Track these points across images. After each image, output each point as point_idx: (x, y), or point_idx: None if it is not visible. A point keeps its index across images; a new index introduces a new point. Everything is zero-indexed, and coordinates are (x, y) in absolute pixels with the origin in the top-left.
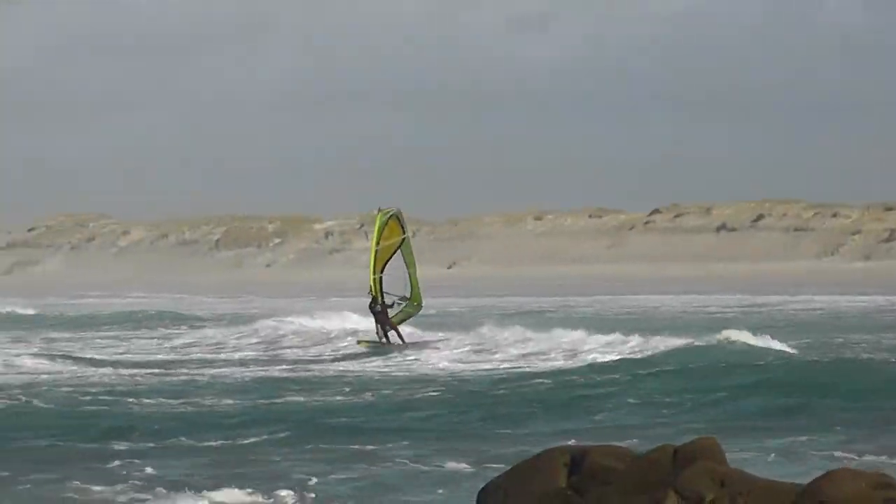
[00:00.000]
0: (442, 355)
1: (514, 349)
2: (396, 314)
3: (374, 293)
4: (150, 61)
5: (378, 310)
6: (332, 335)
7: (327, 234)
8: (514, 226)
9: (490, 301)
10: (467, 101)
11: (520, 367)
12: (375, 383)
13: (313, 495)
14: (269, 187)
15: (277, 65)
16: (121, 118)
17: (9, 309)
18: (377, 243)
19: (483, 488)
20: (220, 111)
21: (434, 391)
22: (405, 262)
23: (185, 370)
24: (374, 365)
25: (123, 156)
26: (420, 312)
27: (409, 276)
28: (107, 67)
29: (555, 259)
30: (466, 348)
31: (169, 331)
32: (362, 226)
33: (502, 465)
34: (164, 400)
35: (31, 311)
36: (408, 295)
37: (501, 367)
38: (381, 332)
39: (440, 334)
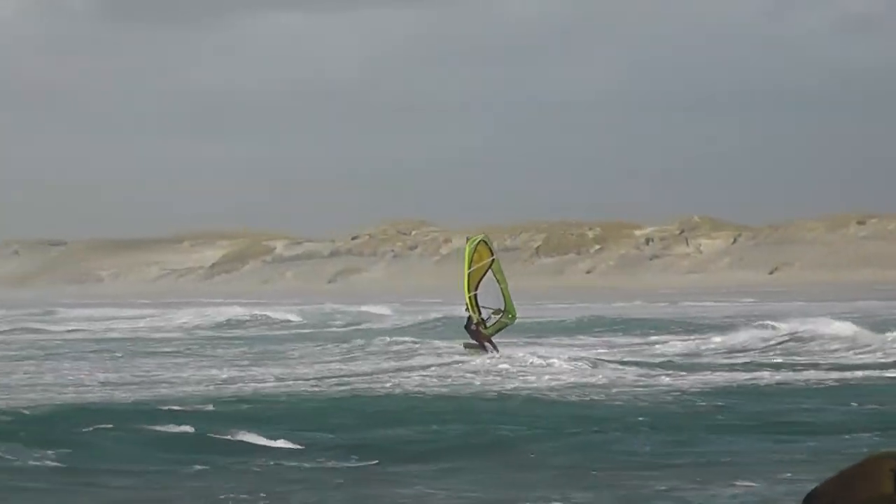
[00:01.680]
0: None
1: None
2: (492, 325)
3: (469, 310)
4: (474, 68)
5: (473, 328)
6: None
7: (647, 239)
8: (836, 230)
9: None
10: (786, 103)
11: None
12: None
13: None
14: (589, 194)
15: (601, 70)
16: (444, 125)
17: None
18: (469, 266)
19: (810, 493)
20: (542, 117)
21: None
22: (497, 280)
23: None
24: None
25: (446, 163)
26: (514, 322)
27: (502, 292)
28: (432, 74)
29: (882, 263)
30: None
31: (663, 336)
32: (682, 231)
33: None
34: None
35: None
36: (502, 308)
37: None
38: (478, 346)
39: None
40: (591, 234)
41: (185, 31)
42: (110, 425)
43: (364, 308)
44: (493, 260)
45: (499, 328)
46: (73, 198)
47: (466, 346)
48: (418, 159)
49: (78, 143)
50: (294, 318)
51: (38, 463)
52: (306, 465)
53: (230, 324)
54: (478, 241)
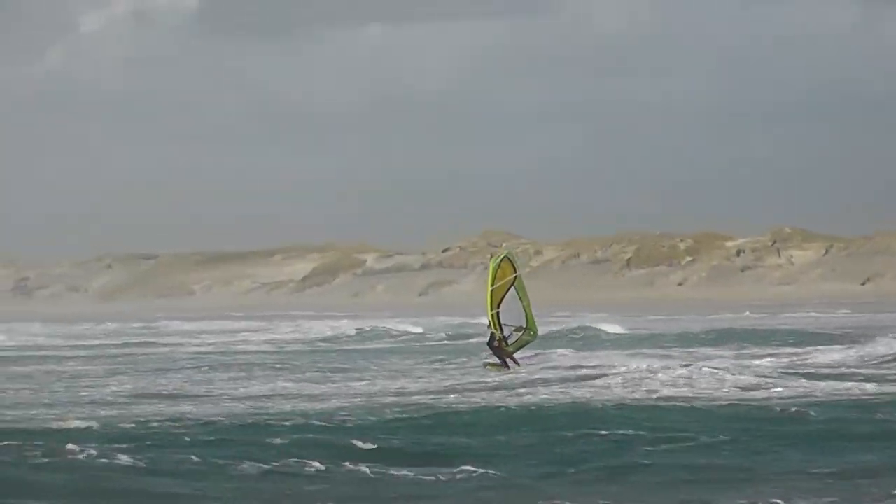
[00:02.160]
0: None
1: None
2: (514, 343)
3: (492, 327)
4: (564, 79)
5: (495, 345)
6: None
7: (739, 251)
8: None
9: None
10: (877, 113)
11: None
12: None
13: None
14: (681, 205)
15: (689, 82)
16: (534, 137)
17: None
18: (492, 283)
19: None
20: (633, 128)
21: None
22: (519, 297)
23: None
24: None
25: (537, 175)
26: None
27: (524, 309)
28: (521, 85)
29: None
30: None
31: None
32: (774, 243)
33: None
34: None
35: (617, 329)
36: (524, 325)
37: None
38: (500, 362)
39: None
40: (682, 246)
41: (275, 45)
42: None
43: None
44: (515, 277)
45: (520, 345)
46: (165, 211)
47: (487, 364)
48: (508, 172)
49: (169, 156)
50: (415, 329)
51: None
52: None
53: (370, 335)
54: (502, 257)
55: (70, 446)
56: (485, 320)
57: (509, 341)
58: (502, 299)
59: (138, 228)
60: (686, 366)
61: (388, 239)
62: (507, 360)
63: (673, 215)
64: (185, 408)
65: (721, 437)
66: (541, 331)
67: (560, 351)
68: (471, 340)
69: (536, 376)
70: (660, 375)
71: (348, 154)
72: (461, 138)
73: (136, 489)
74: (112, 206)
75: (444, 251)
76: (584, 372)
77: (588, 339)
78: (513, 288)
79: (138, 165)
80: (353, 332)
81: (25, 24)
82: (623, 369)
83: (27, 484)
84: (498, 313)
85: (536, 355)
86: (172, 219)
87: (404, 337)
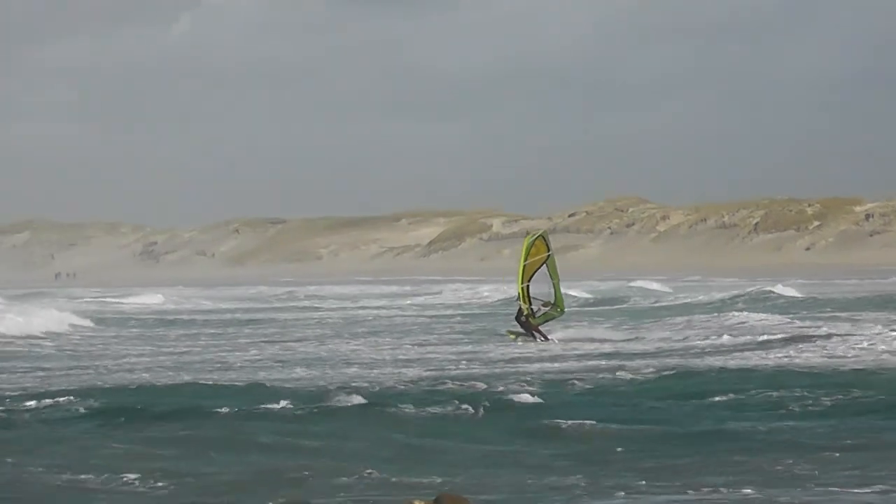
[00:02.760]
0: None
1: None
2: (540, 316)
3: (521, 300)
4: (698, 45)
5: (523, 319)
6: None
7: (867, 216)
8: None
9: None
10: None
11: None
12: None
13: None
14: (809, 170)
15: (821, 49)
16: (663, 102)
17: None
18: (525, 259)
19: None
20: (763, 94)
21: None
22: (550, 275)
23: None
24: None
25: (664, 140)
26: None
27: (554, 286)
28: (656, 51)
29: None
30: None
31: None
32: None
33: None
34: None
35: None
36: (552, 301)
37: None
38: (528, 334)
39: None
40: (810, 211)
41: (406, 11)
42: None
43: (637, 283)
44: (548, 255)
45: (546, 319)
46: (293, 176)
47: (510, 332)
48: (637, 136)
49: (296, 123)
50: (584, 294)
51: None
52: None
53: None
54: (537, 235)
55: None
56: (654, 285)
57: (536, 315)
58: (533, 275)
59: (266, 193)
60: None
61: (515, 203)
62: (535, 332)
63: (802, 181)
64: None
65: None
66: (719, 295)
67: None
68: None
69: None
70: None
71: (476, 120)
72: (589, 103)
73: None
74: (240, 172)
75: (570, 216)
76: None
77: (774, 303)
78: (545, 266)
79: (266, 132)
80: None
81: None
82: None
83: None
84: (528, 287)
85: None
86: (300, 184)
87: (587, 300)
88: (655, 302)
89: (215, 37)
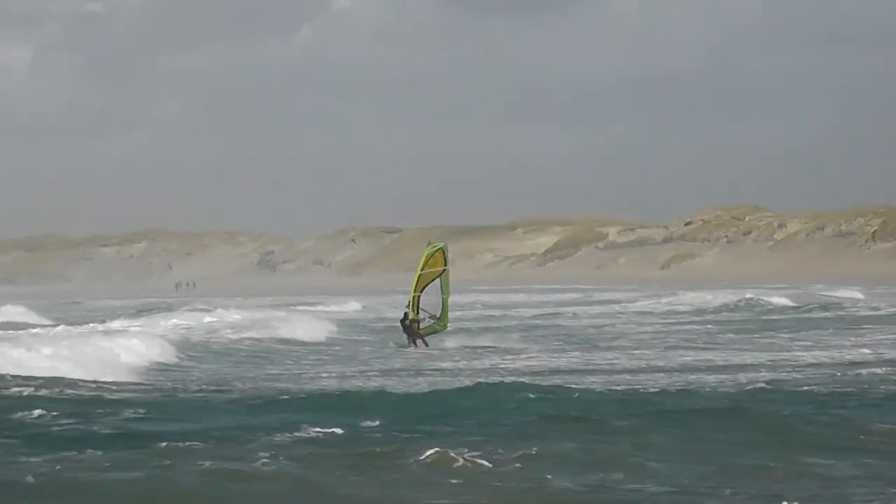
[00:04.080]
0: None
1: None
2: (426, 327)
3: (409, 308)
4: (813, 55)
5: (407, 324)
6: None
7: None
8: None
9: None
10: None
11: None
12: None
13: None
14: None
15: None
16: (779, 111)
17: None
18: (422, 268)
19: None
20: (880, 103)
21: None
22: (441, 289)
23: None
24: None
25: (780, 148)
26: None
27: (443, 301)
28: (771, 61)
29: None
30: None
31: None
32: None
33: None
34: None
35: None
36: (438, 315)
37: None
38: (408, 340)
39: None
40: None
41: (522, 20)
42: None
43: (830, 293)
44: (444, 270)
45: (429, 332)
46: (409, 185)
47: (394, 344)
48: (752, 145)
49: (416, 131)
50: (789, 302)
51: None
52: None
53: (732, 307)
54: (437, 248)
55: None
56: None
57: (422, 325)
58: (426, 286)
59: (382, 203)
60: None
61: (631, 212)
62: (417, 340)
63: None
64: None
65: None
66: None
67: None
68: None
69: None
70: None
71: (593, 127)
72: (708, 112)
73: None
74: (357, 181)
75: (686, 224)
76: None
77: None
78: (439, 279)
79: (385, 140)
80: (731, 302)
81: (280, 1)
82: None
83: None
84: (419, 297)
85: None
86: (416, 193)
87: (786, 308)
88: (859, 311)
89: (336, 46)
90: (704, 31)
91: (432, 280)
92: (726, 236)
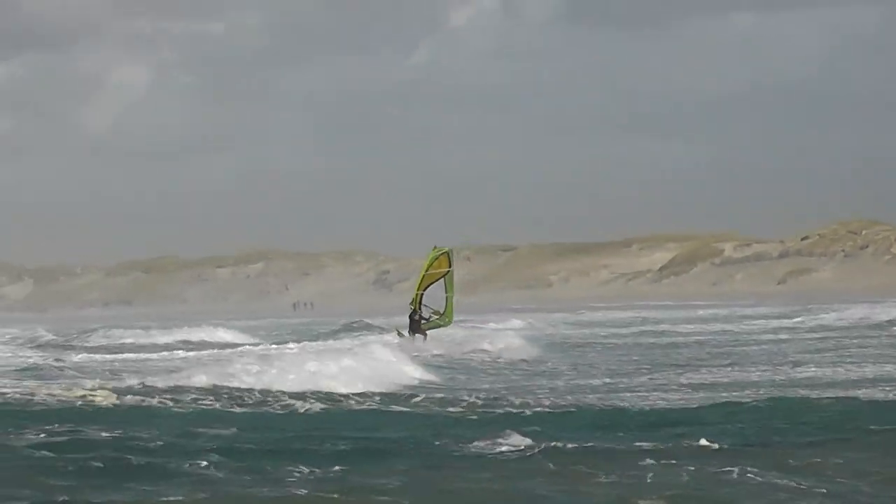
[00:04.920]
0: None
1: None
2: (429, 323)
3: (414, 304)
4: None
5: (415, 318)
6: None
7: None
8: None
9: None
10: None
11: None
12: None
13: None
14: None
15: None
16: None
17: None
18: (426, 269)
19: None
20: None
21: None
22: (446, 288)
23: None
24: None
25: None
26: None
27: (447, 299)
28: (893, 69)
29: None
30: None
31: None
32: None
33: None
34: None
35: None
36: (442, 311)
37: None
38: (409, 331)
39: None
40: None
41: (641, 35)
42: None
43: None
44: (448, 271)
45: (433, 326)
46: (522, 201)
47: (399, 332)
48: (869, 156)
49: (533, 147)
50: None
51: None
52: None
53: None
54: (442, 251)
55: None
56: None
57: (429, 320)
58: (430, 284)
59: (497, 219)
60: None
61: (747, 227)
62: (419, 333)
63: None
64: None
65: None
66: None
67: None
68: None
69: None
70: None
71: (707, 142)
72: (823, 124)
73: None
74: (472, 199)
75: (802, 239)
76: None
77: None
78: (444, 279)
79: (499, 157)
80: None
81: (397, 18)
82: None
83: None
84: (423, 294)
85: None
86: (530, 209)
87: None
88: None
89: (451, 63)
90: (820, 41)
91: (436, 280)
92: (843, 250)
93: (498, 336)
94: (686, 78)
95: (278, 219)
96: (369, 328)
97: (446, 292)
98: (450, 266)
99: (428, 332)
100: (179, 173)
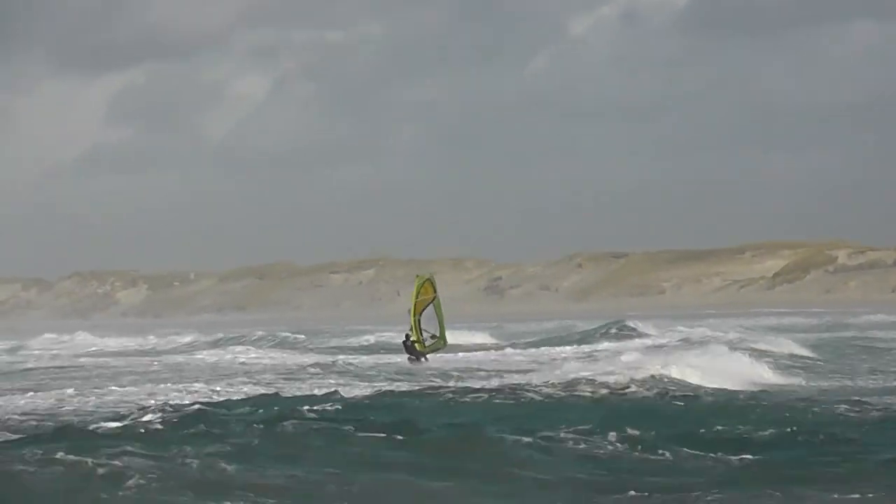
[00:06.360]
0: None
1: None
2: (429, 345)
3: (412, 330)
4: None
5: (409, 344)
6: None
7: None
8: None
9: None
10: None
11: None
12: None
13: None
14: None
15: None
16: None
17: None
18: (416, 297)
19: None
20: None
21: None
22: (436, 313)
23: None
24: None
25: None
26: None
27: (439, 322)
28: None
29: None
30: None
31: None
32: None
33: None
34: None
35: None
36: (437, 334)
37: None
38: (410, 358)
39: None
40: None
41: (764, 42)
42: None
43: None
44: (434, 297)
45: (433, 349)
46: (635, 209)
47: (410, 359)
48: None
49: (651, 157)
50: None
51: None
52: None
53: None
54: (425, 279)
55: None
56: None
57: (426, 344)
58: (423, 310)
59: (609, 227)
60: None
61: (861, 235)
62: (420, 356)
63: None
64: None
65: None
66: None
67: None
68: None
69: None
70: None
71: (823, 150)
72: None
73: None
74: (585, 207)
75: None
76: None
77: None
78: (432, 305)
79: (614, 167)
80: None
81: (515, 28)
82: None
83: None
84: (419, 320)
85: None
86: (643, 217)
87: None
88: None
89: (571, 74)
90: None
91: (426, 306)
92: None
93: (776, 342)
94: (806, 88)
95: (392, 227)
96: (631, 331)
97: (437, 317)
98: (434, 292)
99: (428, 354)
100: (296, 182)
